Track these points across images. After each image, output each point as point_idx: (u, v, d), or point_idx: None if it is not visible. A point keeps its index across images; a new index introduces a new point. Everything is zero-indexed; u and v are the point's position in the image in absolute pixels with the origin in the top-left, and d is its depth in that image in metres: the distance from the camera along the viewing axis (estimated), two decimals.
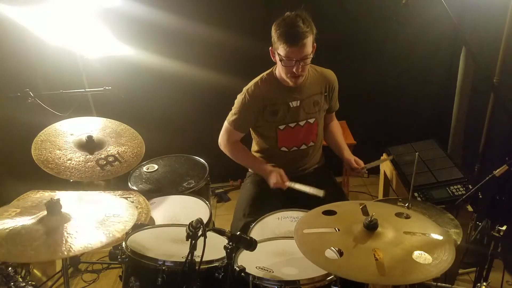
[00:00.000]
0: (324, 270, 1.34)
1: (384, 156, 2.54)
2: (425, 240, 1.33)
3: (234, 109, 2.03)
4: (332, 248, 1.38)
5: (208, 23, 2.79)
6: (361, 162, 2.08)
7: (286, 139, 2.06)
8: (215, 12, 2.81)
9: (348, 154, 2.12)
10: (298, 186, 1.88)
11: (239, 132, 2.07)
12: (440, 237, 1.33)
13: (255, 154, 2.19)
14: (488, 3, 2.48)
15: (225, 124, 2.08)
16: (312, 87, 2.03)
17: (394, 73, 3.11)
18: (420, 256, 1.26)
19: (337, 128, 2.28)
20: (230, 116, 2.05)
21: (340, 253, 1.29)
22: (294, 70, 1.82)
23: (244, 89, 2.01)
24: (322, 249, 1.29)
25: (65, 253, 1.26)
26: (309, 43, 1.80)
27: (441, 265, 1.21)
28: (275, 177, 1.93)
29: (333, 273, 1.35)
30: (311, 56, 1.84)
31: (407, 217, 1.46)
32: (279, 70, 1.94)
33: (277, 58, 1.86)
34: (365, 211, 1.44)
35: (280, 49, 1.80)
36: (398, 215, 1.47)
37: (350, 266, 1.22)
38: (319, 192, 1.80)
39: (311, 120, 2.06)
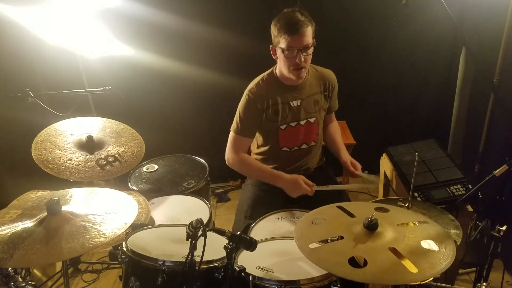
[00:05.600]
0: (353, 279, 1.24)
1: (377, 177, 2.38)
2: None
3: (238, 114, 2.00)
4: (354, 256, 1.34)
5: (208, 23, 2.79)
6: (358, 166, 2.07)
7: (288, 139, 2.06)
8: (215, 12, 2.81)
9: (345, 156, 2.12)
10: (329, 187, 1.86)
11: (246, 138, 2.02)
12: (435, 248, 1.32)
13: (256, 155, 2.19)
14: (488, 3, 2.49)
15: (231, 135, 2.04)
16: (312, 86, 2.03)
17: (394, 73, 3.11)
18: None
19: (336, 129, 2.28)
20: (234, 124, 2.01)
21: (364, 262, 1.27)
22: (297, 61, 1.83)
23: (246, 91, 2.00)
24: (344, 260, 1.26)
25: (67, 255, 1.26)
26: (309, 33, 1.82)
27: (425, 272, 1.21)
28: (299, 183, 1.85)
29: (365, 281, 1.36)
30: (313, 47, 1.86)
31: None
32: (281, 67, 1.94)
33: (279, 52, 1.87)
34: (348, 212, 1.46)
35: (281, 42, 1.82)
36: (378, 209, 1.49)
37: (377, 271, 1.21)
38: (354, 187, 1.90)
39: (312, 120, 2.06)
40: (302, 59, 1.83)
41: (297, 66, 1.85)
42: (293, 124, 2.03)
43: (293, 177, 1.90)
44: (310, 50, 1.85)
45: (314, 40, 1.87)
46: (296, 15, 1.80)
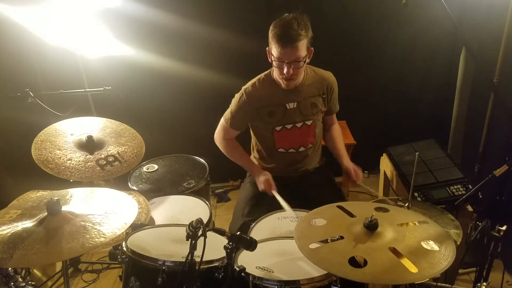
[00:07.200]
0: (356, 279, 1.23)
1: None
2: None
3: (231, 107, 2.06)
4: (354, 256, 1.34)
5: (208, 23, 2.79)
6: (359, 173, 2.06)
7: (283, 140, 2.06)
8: (215, 12, 2.81)
9: (347, 162, 2.10)
10: (279, 199, 1.88)
11: (234, 130, 2.09)
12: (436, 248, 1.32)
13: (254, 155, 2.20)
14: (488, 3, 2.49)
15: (222, 120, 2.11)
16: (310, 89, 2.02)
17: (394, 73, 3.11)
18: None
19: (338, 132, 2.25)
20: (227, 114, 2.08)
21: (364, 261, 1.28)
22: (284, 72, 1.82)
23: (242, 88, 2.03)
24: (344, 261, 1.26)
25: (67, 255, 1.26)
26: (302, 46, 1.78)
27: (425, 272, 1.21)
28: (263, 184, 1.97)
29: (365, 281, 1.38)
30: (305, 60, 1.83)
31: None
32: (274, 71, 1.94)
33: (270, 58, 1.87)
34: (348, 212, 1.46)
35: (273, 50, 1.81)
36: (378, 209, 1.49)
37: (377, 271, 1.21)
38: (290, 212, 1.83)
39: (309, 122, 2.05)
40: (291, 72, 1.81)
41: (285, 77, 1.85)
42: (289, 126, 2.03)
43: (261, 176, 2.00)
44: (301, 64, 1.82)
45: (312, 49, 1.85)
46: (292, 25, 1.73)
